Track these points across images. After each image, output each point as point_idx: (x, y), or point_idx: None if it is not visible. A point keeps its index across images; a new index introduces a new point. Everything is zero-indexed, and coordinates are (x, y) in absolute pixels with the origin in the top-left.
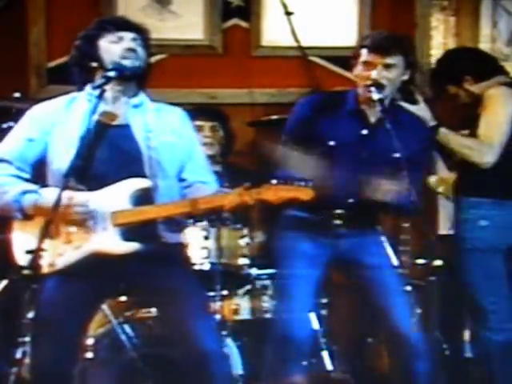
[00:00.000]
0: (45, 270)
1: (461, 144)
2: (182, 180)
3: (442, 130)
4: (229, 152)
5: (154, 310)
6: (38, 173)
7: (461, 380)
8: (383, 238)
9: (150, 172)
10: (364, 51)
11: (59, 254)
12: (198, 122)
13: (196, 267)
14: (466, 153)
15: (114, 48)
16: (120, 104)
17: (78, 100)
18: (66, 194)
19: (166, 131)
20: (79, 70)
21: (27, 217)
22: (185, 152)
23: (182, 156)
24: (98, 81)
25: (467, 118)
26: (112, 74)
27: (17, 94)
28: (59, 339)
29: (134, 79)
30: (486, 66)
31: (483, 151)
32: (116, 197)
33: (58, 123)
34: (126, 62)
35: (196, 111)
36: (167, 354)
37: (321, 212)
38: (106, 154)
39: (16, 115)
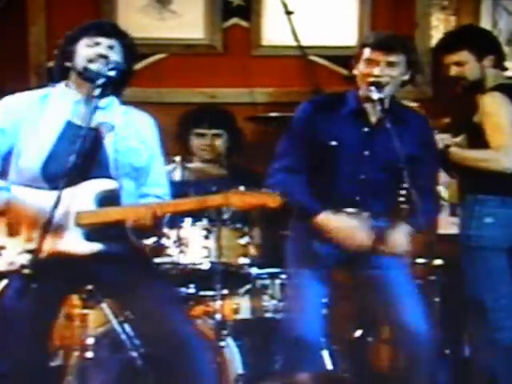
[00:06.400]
0: (4, 268)
1: (475, 159)
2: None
3: (453, 150)
4: (235, 154)
5: None
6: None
7: (462, 380)
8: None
9: (115, 174)
10: (367, 50)
11: (19, 253)
12: (200, 130)
13: (196, 266)
14: (483, 165)
15: (86, 52)
16: (90, 106)
17: (52, 97)
18: (31, 193)
19: (131, 135)
20: (57, 68)
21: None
22: (145, 160)
23: (141, 163)
24: (99, 80)
25: (461, 124)
26: (112, 73)
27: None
28: (22, 339)
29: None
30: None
31: (499, 159)
32: (81, 197)
33: (29, 118)
34: (93, 67)
35: (200, 118)
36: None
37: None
38: (74, 155)
39: None
